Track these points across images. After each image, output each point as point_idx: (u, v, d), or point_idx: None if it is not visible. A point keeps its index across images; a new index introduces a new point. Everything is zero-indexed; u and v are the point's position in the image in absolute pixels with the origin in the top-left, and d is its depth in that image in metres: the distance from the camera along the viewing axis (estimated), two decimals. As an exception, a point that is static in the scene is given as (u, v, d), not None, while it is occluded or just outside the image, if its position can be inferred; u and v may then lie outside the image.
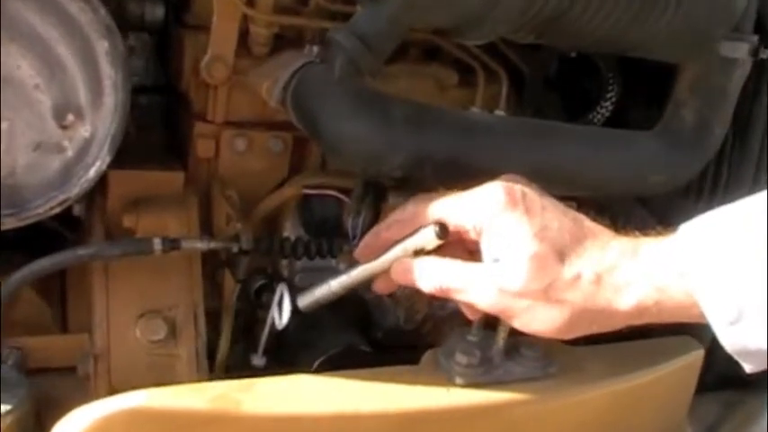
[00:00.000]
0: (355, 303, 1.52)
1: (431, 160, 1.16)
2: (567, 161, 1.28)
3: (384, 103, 1.16)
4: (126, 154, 1.25)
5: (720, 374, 1.62)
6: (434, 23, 1.16)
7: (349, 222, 1.33)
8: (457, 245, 1.07)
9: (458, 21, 1.12)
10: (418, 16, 1.10)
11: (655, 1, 1.19)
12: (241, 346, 1.50)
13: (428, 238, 1.05)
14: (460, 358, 1.16)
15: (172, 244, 1.21)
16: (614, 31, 1.21)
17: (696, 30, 1.27)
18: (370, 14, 1.12)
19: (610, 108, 1.52)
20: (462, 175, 1.22)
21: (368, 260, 1.12)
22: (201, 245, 1.24)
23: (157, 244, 1.20)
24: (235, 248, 1.24)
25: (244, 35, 1.36)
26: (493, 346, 1.20)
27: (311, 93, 1.18)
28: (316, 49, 1.24)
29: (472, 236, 1.03)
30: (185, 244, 1.22)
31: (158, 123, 1.61)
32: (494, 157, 1.20)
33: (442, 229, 1.04)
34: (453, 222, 1.04)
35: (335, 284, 1.15)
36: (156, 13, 1.47)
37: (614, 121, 1.56)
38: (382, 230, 1.12)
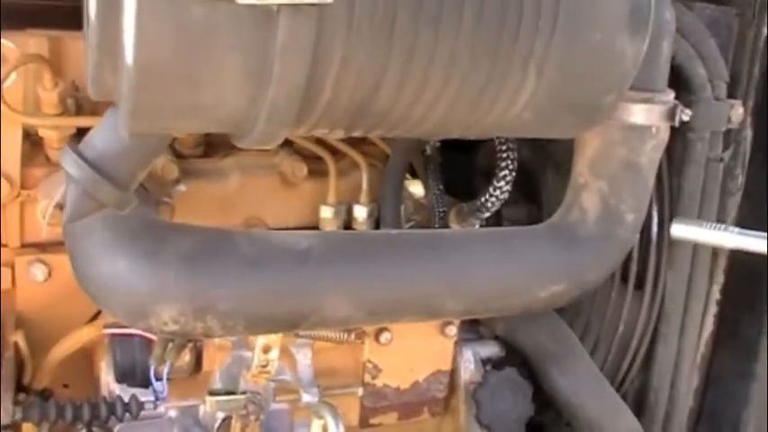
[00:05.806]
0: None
1: (214, 311, 0.88)
2: (419, 285, 0.98)
3: (153, 239, 0.89)
4: None
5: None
6: (186, 131, 0.88)
7: (152, 371, 1.08)
8: None
9: (219, 127, 0.83)
10: (157, 126, 0.81)
11: (503, 76, 0.88)
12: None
13: None
14: None
15: None
16: (454, 115, 0.91)
17: (572, 100, 0.95)
18: (105, 129, 0.84)
19: (505, 189, 1.21)
20: (263, 323, 0.95)
21: None
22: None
23: None
24: (-5, 423, 0.99)
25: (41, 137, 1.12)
26: None
27: (68, 222, 0.92)
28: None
29: None
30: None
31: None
32: (304, 296, 0.92)
33: None
34: None
35: None
36: None
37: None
38: None
